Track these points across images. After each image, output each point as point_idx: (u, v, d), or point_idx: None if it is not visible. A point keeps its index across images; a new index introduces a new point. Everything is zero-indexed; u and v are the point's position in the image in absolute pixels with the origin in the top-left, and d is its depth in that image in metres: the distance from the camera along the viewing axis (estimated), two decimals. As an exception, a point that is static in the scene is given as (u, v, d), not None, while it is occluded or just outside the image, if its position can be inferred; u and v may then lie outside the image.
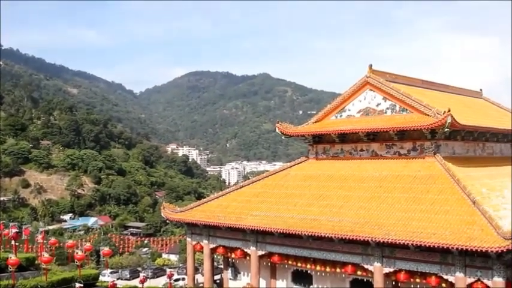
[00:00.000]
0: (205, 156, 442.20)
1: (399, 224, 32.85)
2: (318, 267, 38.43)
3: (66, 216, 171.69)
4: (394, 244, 32.20)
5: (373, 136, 42.28)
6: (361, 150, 43.30)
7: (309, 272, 40.47)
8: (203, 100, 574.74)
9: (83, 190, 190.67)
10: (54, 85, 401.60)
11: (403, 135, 40.42)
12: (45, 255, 41.21)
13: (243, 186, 46.93)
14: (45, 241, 63.90)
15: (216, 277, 53.12)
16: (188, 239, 47.38)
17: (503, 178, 40.46)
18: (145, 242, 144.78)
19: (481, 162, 42.43)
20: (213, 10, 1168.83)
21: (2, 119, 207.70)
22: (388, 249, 33.54)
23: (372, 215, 34.97)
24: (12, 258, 34.58)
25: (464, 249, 29.12)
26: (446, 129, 37.42)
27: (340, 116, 45.79)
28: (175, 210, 47.34)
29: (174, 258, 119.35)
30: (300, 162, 47.10)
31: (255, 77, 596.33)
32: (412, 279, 33.46)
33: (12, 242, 42.53)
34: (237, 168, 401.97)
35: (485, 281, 29.96)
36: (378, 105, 43.36)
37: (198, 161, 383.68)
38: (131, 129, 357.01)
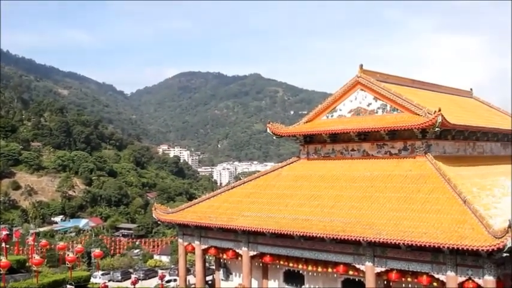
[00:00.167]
0: (197, 157, 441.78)
1: (390, 223, 32.91)
2: (310, 267, 38.45)
3: (57, 218, 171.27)
4: (386, 244, 32.26)
5: (364, 136, 42.34)
6: (353, 150, 43.36)
7: (300, 272, 40.48)
8: (194, 101, 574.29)
9: (74, 192, 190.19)
10: (45, 86, 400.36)
11: (394, 134, 40.51)
12: (36, 257, 41.09)
13: (234, 187, 46.89)
14: (36, 243, 63.67)
15: (208, 278, 53.07)
16: (180, 240, 47.30)
17: (493, 177, 40.64)
18: (137, 243, 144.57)
19: (471, 162, 42.59)
20: (203, 11, 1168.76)
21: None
22: (379, 249, 33.59)
23: (363, 214, 35.02)
24: (3, 260, 34.51)
25: (455, 248, 29.21)
26: (437, 129, 37.54)
27: (331, 116, 45.84)
28: (167, 211, 47.25)
29: (165, 259, 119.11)
30: (292, 163, 47.10)
31: (246, 77, 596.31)
32: (403, 279, 33.53)
33: (3, 244, 42.41)
34: (228, 168, 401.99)
35: (476, 279, 30.05)
36: (368, 105, 43.45)
37: (190, 162, 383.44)
38: (122, 130, 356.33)
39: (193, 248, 45.65)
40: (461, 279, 30.52)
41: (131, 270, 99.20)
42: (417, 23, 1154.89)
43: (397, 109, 41.28)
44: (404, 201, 34.85)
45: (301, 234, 35.85)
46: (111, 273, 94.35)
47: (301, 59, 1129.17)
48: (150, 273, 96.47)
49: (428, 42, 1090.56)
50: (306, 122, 47.00)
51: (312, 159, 45.84)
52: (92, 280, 52.03)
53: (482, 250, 28.13)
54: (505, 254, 28.03)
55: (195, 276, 48.75)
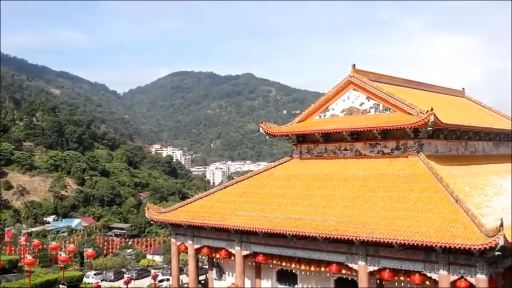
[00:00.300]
0: (190, 157, 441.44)
1: (383, 222, 32.98)
2: (303, 267, 38.49)
3: (50, 218, 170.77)
4: (378, 243, 32.34)
5: (356, 135, 42.41)
6: (345, 149, 43.42)
7: (293, 271, 40.50)
8: (187, 100, 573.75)
9: (66, 191, 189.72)
10: (37, 86, 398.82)
11: (386, 134, 40.59)
12: (29, 257, 41.02)
13: (227, 187, 46.86)
14: (28, 243, 63.53)
15: (201, 277, 53.06)
16: (172, 240, 47.24)
17: (485, 176, 40.85)
18: (130, 243, 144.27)
19: (463, 161, 42.74)
20: (196, 10, 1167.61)
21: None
22: (372, 248, 33.66)
23: (356, 214, 35.08)
24: (-5, 260, 34.36)
25: (447, 247, 29.28)
26: (429, 128, 37.64)
27: (324, 115, 45.89)
28: (160, 211, 47.17)
29: (158, 259, 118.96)
30: (284, 162, 47.11)
31: (238, 77, 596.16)
32: (396, 278, 33.63)
33: (-5, 244, 42.24)
34: (221, 168, 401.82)
35: (468, 278, 30.17)
36: (361, 104, 43.52)
37: (182, 162, 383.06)
38: (115, 130, 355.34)
39: (186, 248, 45.60)
40: (454, 278, 30.63)
41: (124, 270, 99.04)
42: (410, 23, 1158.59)
43: (390, 109, 41.38)
44: (396, 201, 34.94)
45: (294, 233, 35.87)
46: (104, 273, 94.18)
47: (294, 59, 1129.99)
48: (143, 273, 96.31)
49: (420, 42, 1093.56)
50: (299, 122, 47.03)
51: (305, 159, 45.88)
52: (85, 280, 51.92)
53: (475, 249, 28.25)
54: (497, 253, 28.15)
55: (188, 276, 48.73)
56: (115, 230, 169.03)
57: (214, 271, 47.54)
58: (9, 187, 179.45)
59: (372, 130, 40.61)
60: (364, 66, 45.37)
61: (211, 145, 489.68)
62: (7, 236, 58.68)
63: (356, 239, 32.95)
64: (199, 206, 44.68)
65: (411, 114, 38.86)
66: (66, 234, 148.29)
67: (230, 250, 41.91)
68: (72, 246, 60.25)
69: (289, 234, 36.27)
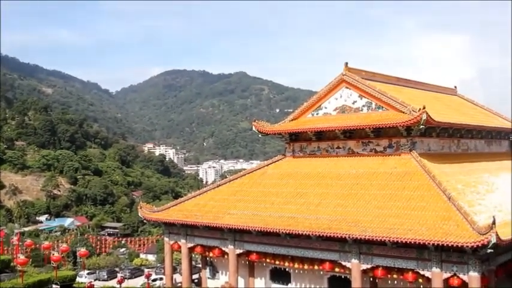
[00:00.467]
0: (182, 155, 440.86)
1: (376, 220, 33.06)
2: (296, 265, 38.54)
3: (42, 218, 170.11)
4: (371, 241, 32.40)
5: (349, 134, 42.48)
6: (338, 147, 43.49)
7: (287, 270, 40.56)
8: (180, 99, 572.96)
9: (59, 191, 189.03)
10: (29, 85, 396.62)
11: (379, 132, 40.67)
12: (21, 257, 40.90)
13: (220, 185, 46.86)
14: (20, 243, 63.36)
15: (194, 276, 53.13)
16: (166, 239, 47.19)
17: (478, 174, 41.01)
18: (123, 242, 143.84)
19: (456, 159, 42.88)
20: (188, 9, 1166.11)
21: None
22: (365, 246, 33.72)
23: (349, 212, 35.16)
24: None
25: (440, 244, 29.40)
26: (421, 126, 37.75)
27: (317, 113, 45.94)
28: (153, 210, 47.12)
29: (151, 258, 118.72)
30: (277, 161, 47.14)
31: (231, 75, 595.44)
32: (389, 275, 33.73)
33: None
34: (214, 167, 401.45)
35: (461, 275, 30.28)
36: (354, 102, 43.59)
37: (175, 160, 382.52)
38: (107, 128, 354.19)
39: (180, 247, 45.57)
40: (446, 275, 30.74)
41: (117, 269, 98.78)
42: (403, 22, 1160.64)
43: (382, 107, 41.47)
44: (389, 199, 35.02)
45: (287, 232, 35.91)
46: (97, 272, 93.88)
47: (287, 57, 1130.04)
48: (136, 272, 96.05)
49: (413, 41, 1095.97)
50: (292, 120, 47.08)
51: (298, 157, 45.92)
52: (78, 279, 51.80)
53: (467, 246, 28.35)
54: (489, 250, 28.26)
55: (181, 275, 48.76)
56: (108, 229, 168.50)
57: (207, 270, 47.55)
58: (1, 186, 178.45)
59: (364, 128, 40.68)
60: (358, 64, 45.56)
61: (204, 144, 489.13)
62: (-1, 236, 58.44)
63: (349, 237, 33.03)
64: (192, 205, 44.66)
65: (404, 112, 38.95)
66: (58, 233, 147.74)
67: (223, 249, 41.92)
68: (65, 245, 59.96)
69: (282, 232, 36.32)
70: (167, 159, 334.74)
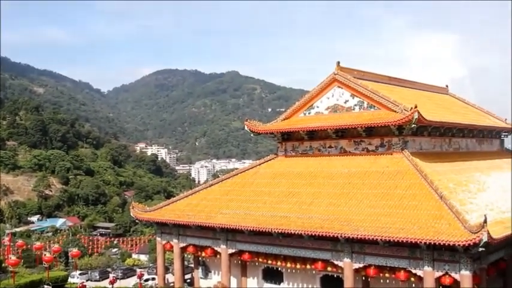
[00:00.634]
0: (175, 155, 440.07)
1: (368, 219, 33.12)
2: (289, 264, 38.56)
3: (34, 218, 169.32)
4: (364, 240, 32.46)
5: (341, 133, 42.53)
6: (330, 147, 43.53)
7: (279, 269, 40.60)
8: (172, 98, 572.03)
9: (51, 191, 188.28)
10: (20, 84, 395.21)
11: (371, 131, 40.74)
12: (13, 257, 40.79)
13: (212, 185, 46.85)
14: (12, 243, 63.15)
15: (187, 276, 53.02)
16: (158, 239, 47.13)
17: (469, 173, 41.16)
18: (115, 242, 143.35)
19: (447, 158, 43.01)
20: (180, 9, 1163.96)
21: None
22: (357, 245, 33.78)
23: (341, 211, 35.20)
24: (-22, 261, 34.11)
25: (432, 243, 29.50)
26: (413, 125, 37.84)
27: (309, 113, 45.97)
28: (145, 210, 47.05)
29: (144, 258, 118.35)
30: (269, 160, 47.17)
31: (223, 74, 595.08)
32: (381, 274, 33.81)
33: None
34: (206, 166, 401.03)
35: (453, 274, 30.38)
36: (346, 102, 43.65)
37: (167, 160, 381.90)
38: (99, 128, 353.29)
39: (172, 246, 45.54)
40: (438, 274, 30.83)
41: (109, 270, 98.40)
42: (394, 21, 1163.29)
43: (374, 106, 41.53)
44: (381, 198, 35.10)
45: (280, 231, 35.94)
46: (89, 272, 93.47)
47: (279, 56, 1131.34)
48: (128, 272, 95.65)
49: (404, 40, 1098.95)
50: (284, 120, 47.10)
51: (290, 157, 45.94)
52: (70, 280, 51.75)
53: (459, 245, 28.44)
54: (480, 249, 28.36)
55: (173, 275, 48.69)
56: (100, 230, 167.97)
57: (200, 270, 47.52)
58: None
59: (356, 127, 40.75)
60: (350, 64, 45.55)
61: (196, 143, 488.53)
62: (-9, 237, 58.25)
63: (341, 236, 33.07)
64: (184, 205, 44.63)
65: (395, 111, 39.03)
66: (50, 234, 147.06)
67: (216, 248, 41.90)
68: (56, 246, 59.93)
69: (274, 232, 36.34)
70: (159, 158, 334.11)
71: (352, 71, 45.05)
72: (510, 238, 31.36)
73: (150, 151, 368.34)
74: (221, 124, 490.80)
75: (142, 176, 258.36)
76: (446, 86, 60.83)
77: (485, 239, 27.58)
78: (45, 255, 45.99)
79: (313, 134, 44.30)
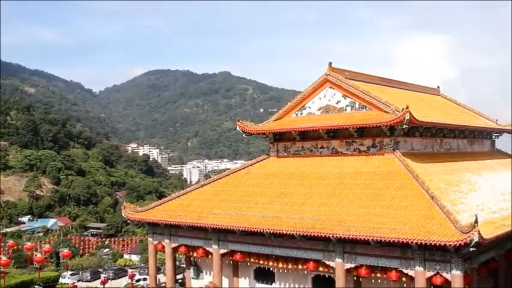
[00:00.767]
0: (166, 155, 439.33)
1: (360, 220, 33.18)
2: (280, 265, 38.59)
3: (25, 218, 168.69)
4: (355, 240, 32.52)
5: (333, 133, 42.60)
6: (322, 147, 43.60)
7: (271, 269, 40.62)
8: (163, 99, 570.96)
9: (42, 191, 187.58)
10: (11, 84, 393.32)
11: (362, 132, 40.83)
12: (3, 258, 40.60)
13: (204, 185, 46.83)
14: (2, 244, 62.86)
15: (178, 276, 52.98)
16: (150, 239, 47.06)
17: (460, 173, 41.34)
18: (106, 242, 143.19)
19: (439, 158, 43.19)
20: (172, 9, 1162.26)
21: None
22: (349, 245, 33.83)
23: (333, 211, 35.25)
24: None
25: (423, 243, 29.57)
26: (405, 126, 37.93)
27: (301, 113, 46.02)
28: (136, 210, 46.97)
29: (135, 258, 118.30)
30: (261, 160, 47.19)
31: (215, 75, 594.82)
32: (373, 274, 33.88)
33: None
34: (198, 166, 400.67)
35: (444, 274, 30.47)
36: (337, 102, 43.72)
37: (159, 160, 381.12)
38: (90, 128, 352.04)
39: (163, 247, 45.49)
40: (430, 274, 30.93)
41: (101, 270, 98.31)
42: (386, 22, 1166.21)
43: (366, 107, 41.63)
44: (373, 198, 35.17)
45: (271, 231, 35.94)
46: (80, 273, 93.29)
47: (271, 57, 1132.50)
48: (120, 273, 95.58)
49: (396, 41, 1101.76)
50: (276, 120, 47.13)
51: (282, 157, 45.98)
52: (61, 280, 51.63)
53: (450, 245, 28.53)
54: (471, 249, 28.46)
55: (165, 275, 48.63)
56: (91, 230, 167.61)
57: (191, 270, 47.47)
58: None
59: (348, 128, 40.83)
60: (341, 64, 45.64)
61: (188, 144, 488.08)
62: (-19, 237, 57.99)
63: (333, 236, 33.12)
64: (176, 205, 44.58)
65: (387, 112, 39.12)
66: (41, 234, 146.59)
67: (207, 249, 41.88)
68: (47, 246, 59.72)
69: (266, 232, 36.35)
70: (151, 159, 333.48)
71: (344, 72, 45.14)
72: (501, 238, 31.54)
73: (141, 151, 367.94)
74: (213, 124, 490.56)
75: (134, 176, 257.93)
76: (438, 87, 61.09)
77: (476, 239, 27.69)
78: (36, 255, 45.86)
79: (305, 135, 44.36)
